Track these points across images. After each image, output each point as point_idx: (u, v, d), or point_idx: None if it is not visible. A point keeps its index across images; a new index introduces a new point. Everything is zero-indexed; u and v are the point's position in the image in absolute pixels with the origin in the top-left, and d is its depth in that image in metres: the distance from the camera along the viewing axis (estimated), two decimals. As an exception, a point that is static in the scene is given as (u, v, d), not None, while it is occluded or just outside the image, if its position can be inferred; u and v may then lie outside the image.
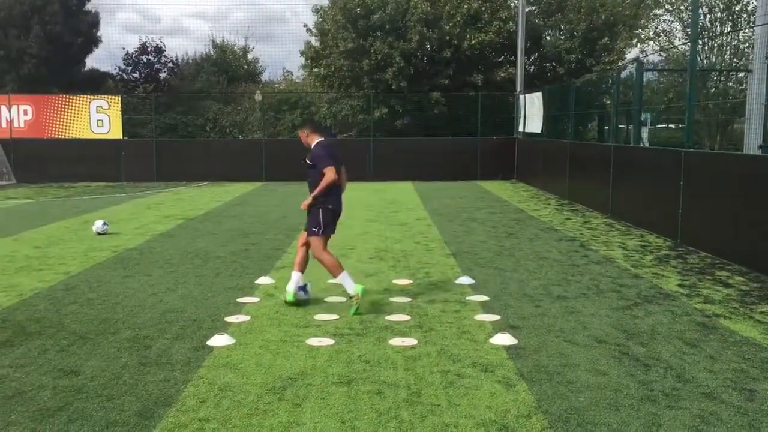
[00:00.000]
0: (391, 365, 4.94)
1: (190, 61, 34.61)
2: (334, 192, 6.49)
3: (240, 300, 6.80)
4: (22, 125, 21.44)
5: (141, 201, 16.22)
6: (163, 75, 31.67)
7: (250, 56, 37.78)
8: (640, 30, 25.33)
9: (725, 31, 22.54)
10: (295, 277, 6.58)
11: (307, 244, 6.61)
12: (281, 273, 8.07)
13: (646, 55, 22.69)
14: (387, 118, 23.41)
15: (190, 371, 4.82)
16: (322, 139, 6.63)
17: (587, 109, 17.45)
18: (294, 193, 18.00)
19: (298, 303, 6.56)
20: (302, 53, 26.31)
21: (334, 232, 6.66)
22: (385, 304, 6.62)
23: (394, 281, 7.62)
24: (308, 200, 6.45)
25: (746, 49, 21.61)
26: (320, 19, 25.10)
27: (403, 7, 22.97)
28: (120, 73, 31.55)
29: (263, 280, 7.62)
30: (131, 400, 4.32)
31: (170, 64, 32.00)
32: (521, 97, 21.23)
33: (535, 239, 10.42)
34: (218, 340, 5.44)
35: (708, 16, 23.48)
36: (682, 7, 24.34)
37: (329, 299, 6.84)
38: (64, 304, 6.64)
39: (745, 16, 22.73)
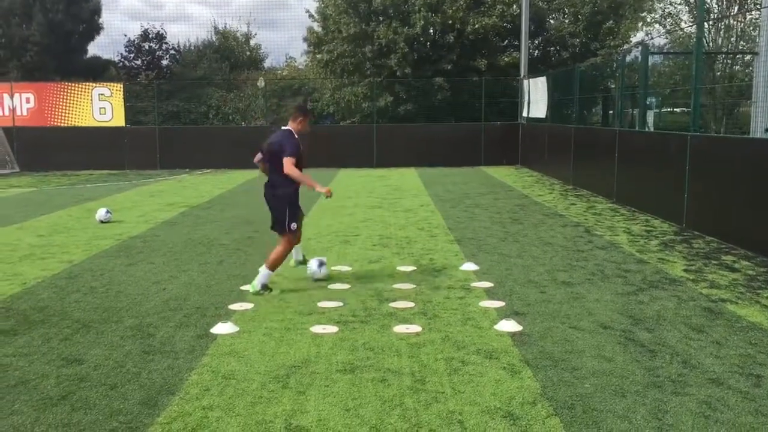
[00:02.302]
0: (396, 352, 4.92)
1: (192, 48, 34.46)
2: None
3: (244, 288, 6.78)
4: (24, 113, 21.40)
5: (144, 189, 16.20)
6: (165, 62, 31.57)
7: (252, 42, 37.62)
8: (645, 13, 25.09)
9: (731, 14, 22.30)
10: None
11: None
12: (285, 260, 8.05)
13: (651, 38, 22.51)
14: (390, 104, 23.31)
15: (193, 359, 4.81)
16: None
17: (592, 93, 17.32)
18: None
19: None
20: (305, 39, 26.20)
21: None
22: (389, 291, 6.59)
23: (398, 268, 7.59)
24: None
25: (752, 32, 21.40)
26: (322, 4, 24.94)
27: (406, -9, 22.81)
28: (122, 60, 31.46)
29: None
30: (135, 389, 4.31)
31: (172, 51, 31.89)
32: (525, 81, 21.08)
33: (540, 225, 10.37)
34: (222, 328, 5.43)
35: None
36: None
37: (333, 286, 6.82)
38: (68, 293, 6.63)
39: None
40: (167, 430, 3.76)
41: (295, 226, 6.50)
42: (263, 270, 6.52)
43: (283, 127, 6.67)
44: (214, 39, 35.77)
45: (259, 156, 6.79)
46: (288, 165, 6.28)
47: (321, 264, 6.93)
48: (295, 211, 6.51)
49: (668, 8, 24.02)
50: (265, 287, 6.47)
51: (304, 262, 7.11)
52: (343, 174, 19.42)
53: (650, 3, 24.70)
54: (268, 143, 6.61)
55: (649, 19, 24.74)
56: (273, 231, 6.75)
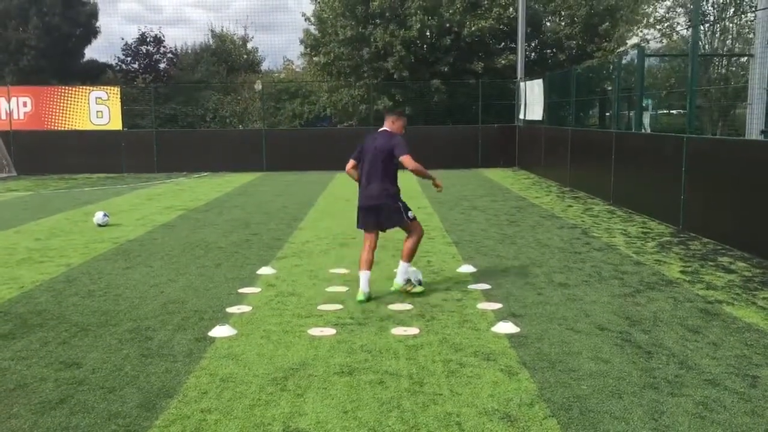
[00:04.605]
0: (393, 355, 4.94)
1: (190, 51, 34.49)
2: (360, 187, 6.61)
3: (241, 290, 6.79)
4: (21, 117, 21.39)
5: (142, 192, 16.20)
6: (162, 65, 31.59)
7: (249, 46, 37.67)
8: (640, 16, 25.15)
9: (727, 15, 22.38)
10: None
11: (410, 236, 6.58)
12: (282, 263, 8.07)
13: (647, 41, 22.55)
14: (388, 107, 23.35)
15: (191, 362, 4.81)
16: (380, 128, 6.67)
17: (588, 95, 17.37)
18: (294, 182, 17.99)
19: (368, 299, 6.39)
20: (301, 42, 26.20)
21: (362, 228, 6.62)
22: (386, 294, 6.60)
23: (396, 270, 7.59)
24: None
25: (748, 34, 21.46)
26: (318, 8, 24.98)
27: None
28: (119, 63, 31.48)
29: (264, 271, 7.61)
30: (133, 392, 4.31)
31: (170, 55, 31.91)
32: (522, 84, 21.13)
33: (537, 227, 10.39)
34: (220, 331, 5.43)
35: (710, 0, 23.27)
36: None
37: (330, 289, 6.83)
38: (65, 296, 6.63)
39: None
40: (166, 433, 3.77)
41: (413, 213, 6.56)
42: (402, 264, 6.53)
43: (380, 129, 6.67)
44: (211, 42, 35.82)
45: (352, 163, 6.69)
46: (409, 161, 6.29)
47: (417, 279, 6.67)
48: (405, 203, 6.55)
49: (662, 12, 24.07)
50: (409, 281, 6.51)
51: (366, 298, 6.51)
52: (341, 177, 19.42)
53: (645, 7, 24.77)
54: (372, 147, 6.53)
55: (644, 22, 24.81)
56: (380, 230, 6.65)
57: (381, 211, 6.46)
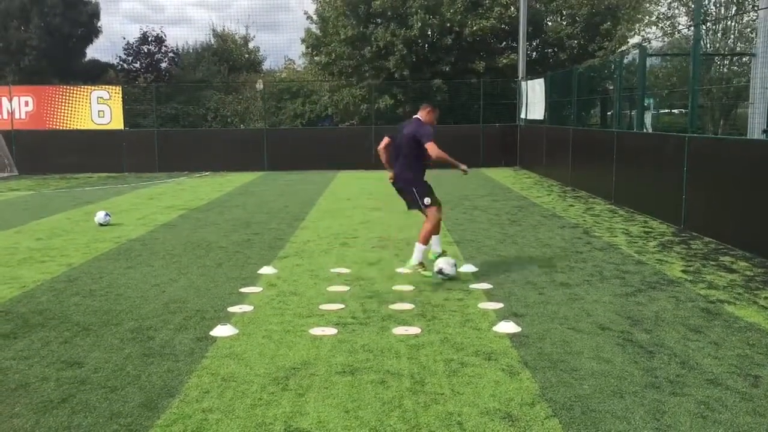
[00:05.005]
0: (395, 354, 4.94)
1: (191, 51, 34.48)
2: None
3: (243, 290, 6.79)
4: (23, 116, 21.42)
5: (143, 192, 16.21)
6: (163, 65, 31.59)
7: (251, 45, 37.64)
8: (642, 15, 25.11)
9: (729, 15, 22.34)
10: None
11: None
12: (284, 263, 8.07)
13: (649, 41, 22.53)
14: (389, 107, 23.35)
15: (193, 362, 4.82)
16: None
17: (590, 95, 17.35)
18: (296, 182, 17.98)
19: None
20: (303, 41, 26.19)
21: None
22: (388, 293, 6.61)
23: (397, 270, 7.60)
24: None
25: (750, 33, 21.43)
26: (320, 7, 24.97)
27: (404, -7, 22.83)
28: (121, 63, 31.48)
29: (266, 270, 7.61)
30: (134, 391, 4.31)
31: (171, 54, 31.91)
32: (523, 83, 21.12)
33: (538, 226, 10.39)
34: (221, 331, 5.43)
35: (712, -1, 23.22)
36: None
37: (332, 289, 6.83)
38: (67, 296, 6.64)
39: (749, -1, 22.48)
40: (167, 433, 3.77)
41: (429, 200, 7.06)
42: (417, 246, 7.02)
43: (413, 117, 7.25)
44: (212, 42, 35.79)
45: (386, 141, 7.32)
46: (433, 147, 6.79)
47: (453, 264, 7.10)
48: (423, 189, 7.08)
49: (663, 10, 24.03)
50: (422, 263, 6.99)
51: (443, 254, 7.34)
52: (342, 176, 19.44)
53: (647, 5, 24.74)
54: (403, 132, 7.12)
55: (646, 20, 24.78)
56: (411, 210, 7.45)
57: (402, 193, 7.25)
